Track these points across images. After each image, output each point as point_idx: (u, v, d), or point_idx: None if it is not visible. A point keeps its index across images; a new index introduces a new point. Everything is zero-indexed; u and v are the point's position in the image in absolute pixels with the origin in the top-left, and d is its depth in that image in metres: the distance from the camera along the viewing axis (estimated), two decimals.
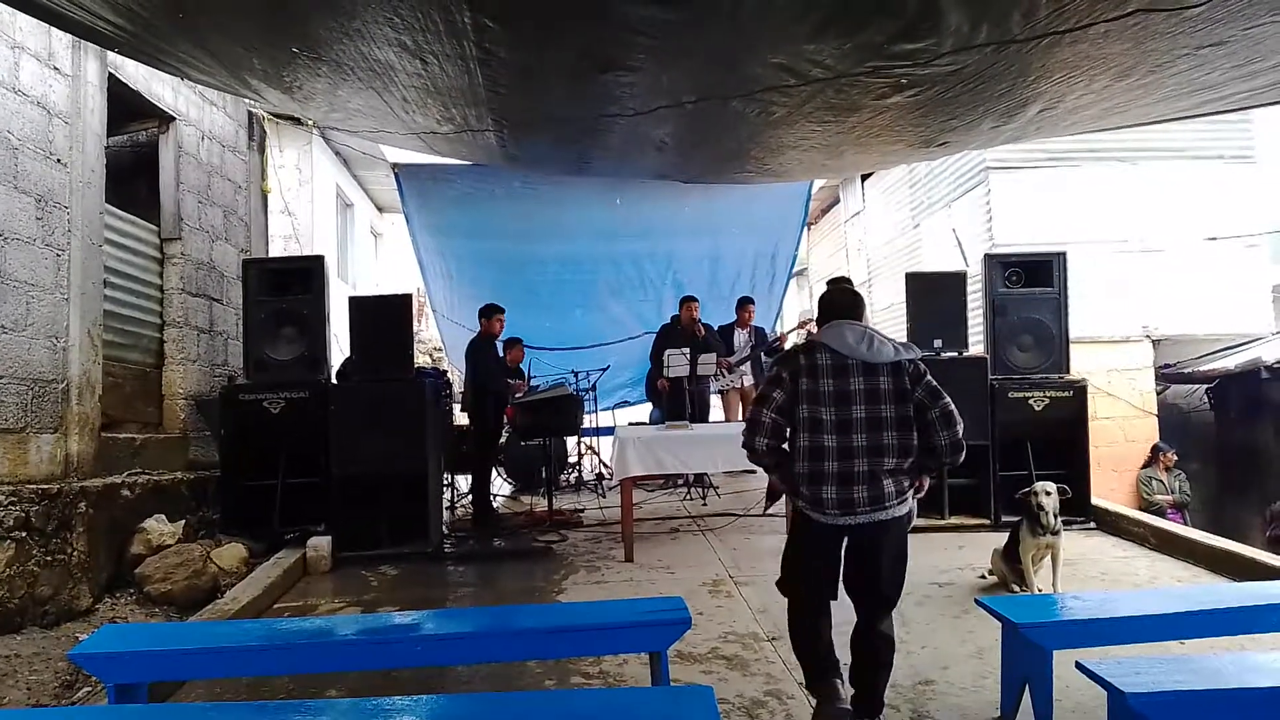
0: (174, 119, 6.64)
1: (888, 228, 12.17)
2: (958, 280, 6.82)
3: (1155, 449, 9.18)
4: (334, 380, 6.55)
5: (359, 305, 6.36)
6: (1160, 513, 8.72)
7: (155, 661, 2.91)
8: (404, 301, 6.40)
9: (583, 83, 4.70)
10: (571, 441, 9.25)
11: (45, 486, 4.65)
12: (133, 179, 6.64)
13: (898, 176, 11.58)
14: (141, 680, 2.93)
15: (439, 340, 11.05)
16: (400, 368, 6.14)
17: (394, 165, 9.50)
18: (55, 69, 5.09)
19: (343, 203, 11.57)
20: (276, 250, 8.79)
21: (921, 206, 11.08)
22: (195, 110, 6.97)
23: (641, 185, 9.08)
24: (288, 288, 6.31)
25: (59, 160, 5.09)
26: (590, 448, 9.53)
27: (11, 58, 4.73)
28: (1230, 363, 9.56)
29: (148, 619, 4.84)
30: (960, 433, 3.04)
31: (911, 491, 3.11)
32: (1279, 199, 9.66)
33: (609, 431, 8.43)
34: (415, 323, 8.21)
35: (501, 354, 8.07)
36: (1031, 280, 6.55)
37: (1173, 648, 3.59)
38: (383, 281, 13.40)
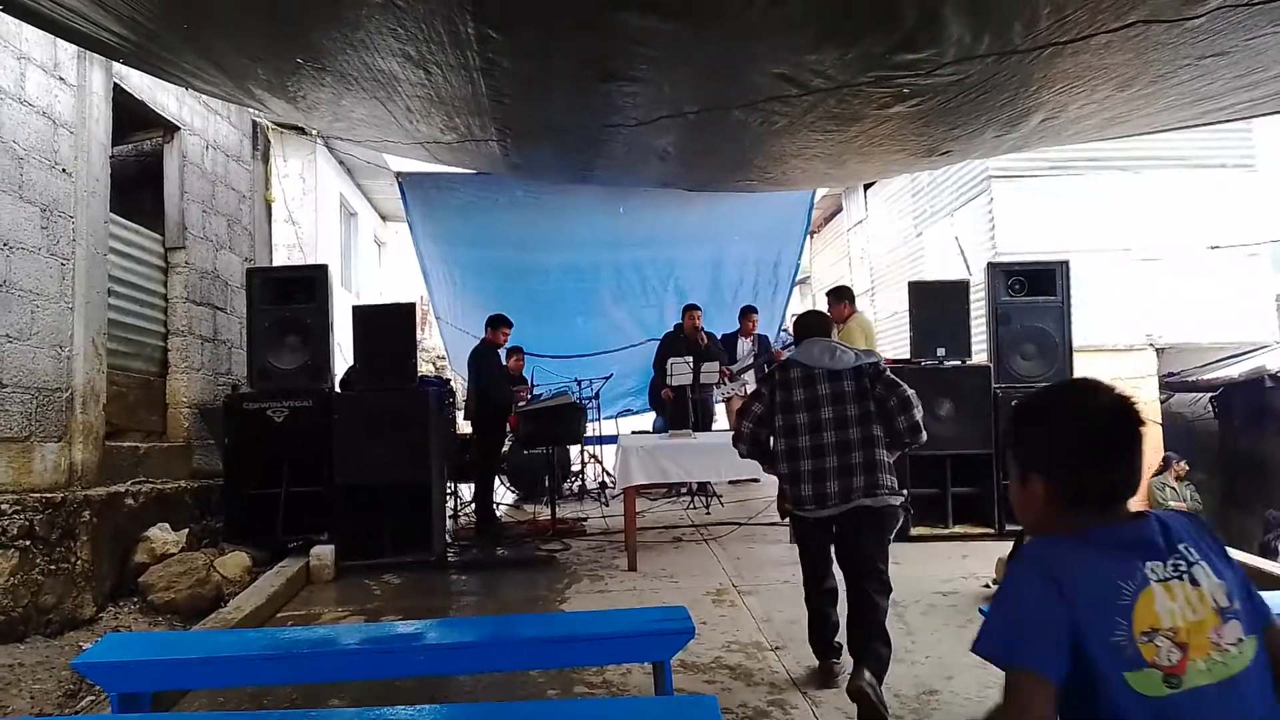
0: (178, 129, 6.66)
1: (890, 236, 12.19)
2: (961, 289, 6.81)
3: (1166, 459, 9.16)
4: (337, 389, 6.56)
5: (362, 314, 6.38)
6: None
7: (159, 671, 2.91)
8: (407, 310, 6.42)
9: (585, 92, 4.72)
10: (574, 450, 9.25)
11: (49, 495, 4.65)
12: (137, 188, 6.66)
13: (900, 185, 11.59)
14: (145, 689, 2.93)
15: (442, 349, 11.06)
16: (403, 376, 6.15)
17: (398, 174, 9.53)
18: (61, 79, 5.12)
19: (346, 212, 11.61)
20: (280, 259, 8.81)
21: (924, 215, 11.09)
22: (199, 120, 7.00)
23: (644, 193, 9.10)
24: (291, 297, 6.32)
25: (64, 170, 5.11)
26: (593, 456, 9.53)
27: (18, 69, 4.76)
28: (1234, 371, 9.56)
29: (151, 628, 4.84)
30: (918, 416, 3.44)
31: (891, 482, 3.49)
32: None
33: (612, 440, 8.44)
34: (418, 331, 8.23)
35: (503, 361, 8.08)
36: (1034, 289, 6.55)
37: None
38: (386, 290, 13.43)
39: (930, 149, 5.81)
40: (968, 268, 9.32)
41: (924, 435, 3.51)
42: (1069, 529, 1.36)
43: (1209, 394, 10.16)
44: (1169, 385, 9.85)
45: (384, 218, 13.56)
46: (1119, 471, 1.37)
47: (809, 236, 12.23)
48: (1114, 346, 9.22)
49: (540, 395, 8.20)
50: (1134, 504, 1.41)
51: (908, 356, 6.66)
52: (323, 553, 5.74)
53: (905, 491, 3.69)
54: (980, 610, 3.54)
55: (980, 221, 9.60)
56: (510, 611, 4.93)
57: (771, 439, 3.70)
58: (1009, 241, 9.08)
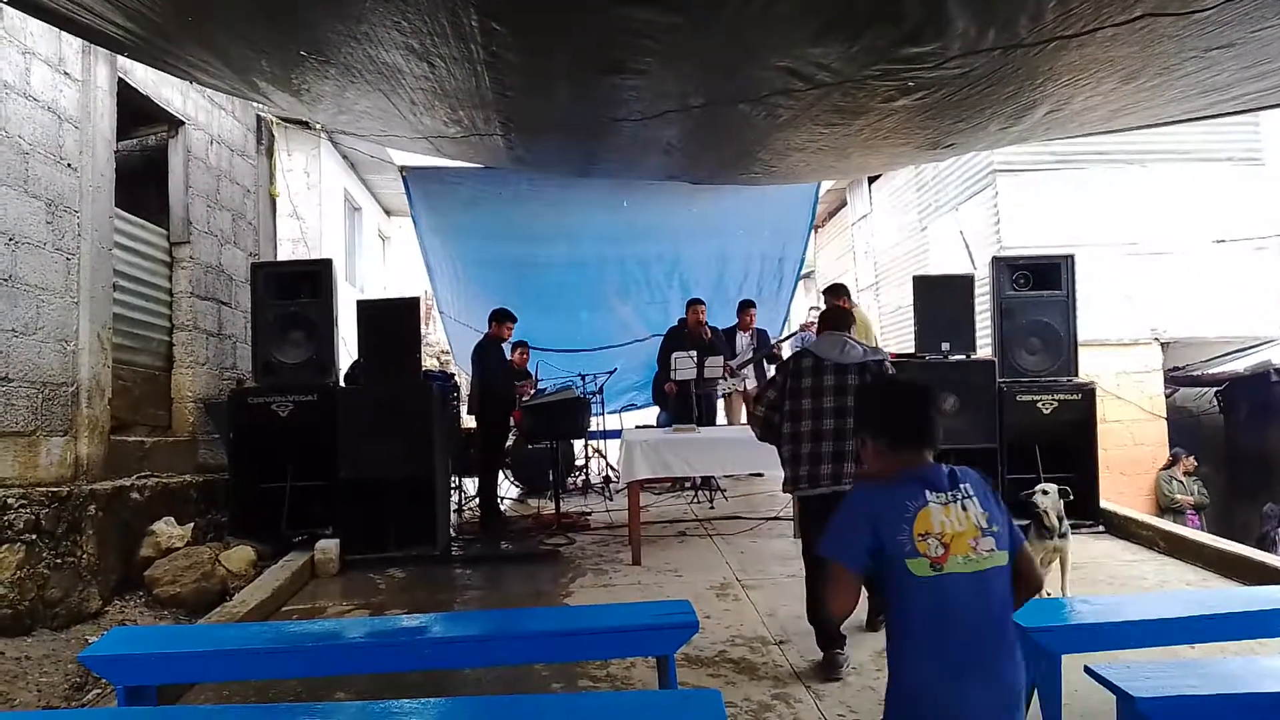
0: (183, 123, 6.67)
1: (895, 230, 12.16)
2: (965, 283, 6.79)
3: (1174, 454, 9.14)
4: (342, 383, 6.56)
5: (366, 309, 6.38)
6: (1180, 512, 8.72)
7: (164, 664, 2.92)
8: (411, 305, 6.41)
9: (589, 86, 4.71)
10: (579, 444, 9.25)
11: (55, 489, 4.67)
12: (142, 183, 6.67)
13: (905, 179, 11.56)
14: (151, 682, 2.94)
15: (446, 343, 11.06)
16: (408, 371, 6.15)
17: (402, 168, 9.52)
18: (65, 74, 5.12)
19: (350, 206, 11.61)
20: (284, 254, 8.82)
21: (929, 209, 11.06)
22: (204, 114, 7.00)
23: (648, 187, 9.08)
24: (296, 291, 6.31)
25: (69, 165, 5.12)
26: (597, 450, 9.53)
27: (22, 63, 4.76)
28: (1240, 365, 9.53)
29: (157, 621, 4.86)
30: None
31: None
32: None
33: (616, 434, 8.43)
34: (423, 326, 8.22)
35: (507, 356, 8.07)
36: (1039, 283, 6.52)
37: (1183, 652, 3.55)
38: (390, 285, 13.44)
39: (935, 142, 5.79)
40: (972, 262, 9.29)
41: None
42: (893, 471, 2.05)
43: (1214, 388, 10.13)
44: (1174, 380, 9.82)
45: (388, 212, 13.55)
46: (914, 430, 2.09)
47: (814, 231, 12.21)
48: (1119, 341, 9.20)
49: (544, 390, 8.20)
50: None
51: (912, 351, 6.65)
52: (327, 547, 5.75)
53: None
54: None
55: (985, 215, 9.57)
56: (514, 605, 4.94)
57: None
58: (1014, 235, 9.06)
